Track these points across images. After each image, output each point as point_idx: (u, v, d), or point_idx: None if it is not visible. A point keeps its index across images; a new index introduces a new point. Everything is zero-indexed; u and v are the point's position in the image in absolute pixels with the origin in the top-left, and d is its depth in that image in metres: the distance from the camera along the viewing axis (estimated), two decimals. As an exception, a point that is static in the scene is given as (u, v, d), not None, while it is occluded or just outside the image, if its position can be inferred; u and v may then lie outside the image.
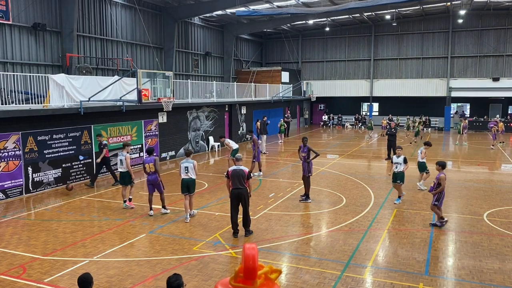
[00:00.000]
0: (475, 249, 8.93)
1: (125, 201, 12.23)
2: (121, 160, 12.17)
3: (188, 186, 10.84)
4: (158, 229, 10.35)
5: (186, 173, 10.81)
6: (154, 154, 12.18)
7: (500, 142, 27.02)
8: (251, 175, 9.86)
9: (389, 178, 15.27)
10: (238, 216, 9.75)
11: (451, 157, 22.49)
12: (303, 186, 13.12)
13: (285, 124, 30.31)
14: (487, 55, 35.03)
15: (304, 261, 8.38)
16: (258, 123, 27.18)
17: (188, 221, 10.83)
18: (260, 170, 17.12)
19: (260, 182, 15.68)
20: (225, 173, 9.89)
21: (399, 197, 12.62)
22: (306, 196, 12.94)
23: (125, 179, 12.22)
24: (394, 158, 12.42)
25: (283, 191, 14.16)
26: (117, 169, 14.97)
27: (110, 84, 16.58)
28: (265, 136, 23.94)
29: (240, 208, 9.71)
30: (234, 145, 17.53)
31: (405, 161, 12.23)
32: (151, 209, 11.50)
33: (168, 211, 11.55)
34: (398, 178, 12.36)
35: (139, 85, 14.96)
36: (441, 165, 10.57)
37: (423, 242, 9.38)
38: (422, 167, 14.45)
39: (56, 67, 19.64)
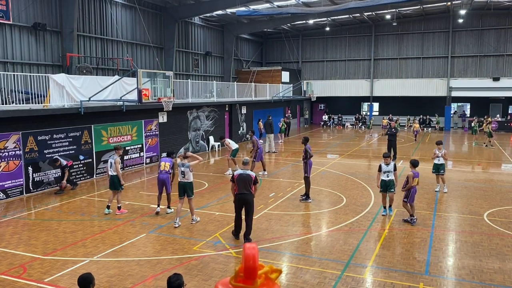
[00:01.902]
0: (475, 249, 8.93)
1: (108, 206, 11.69)
2: (111, 163, 11.61)
3: (185, 189, 10.50)
4: (158, 229, 10.35)
5: (183, 177, 10.53)
6: (173, 156, 12.16)
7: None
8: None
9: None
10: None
11: (452, 157, 22.48)
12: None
13: (285, 124, 30.33)
14: (487, 55, 35.03)
15: (304, 260, 8.38)
16: (261, 123, 27.14)
17: (176, 226, 10.38)
18: (264, 170, 17.12)
19: (260, 182, 15.68)
20: (231, 177, 9.46)
21: (390, 206, 11.53)
22: (306, 196, 12.94)
23: (114, 183, 11.59)
24: (384, 166, 11.20)
25: (283, 191, 14.16)
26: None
27: (110, 84, 16.58)
28: (272, 135, 23.89)
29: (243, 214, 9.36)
30: (234, 145, 17.57)
31: (394, 168, 11.27)
32: (158, 205, 11.43)
33: (172, 210, 11.48)
34: (392, 187, 11.23)
35: (139, 85, 14.95)
36: (412, 164, 10.97)
37: (423, 242, 9.38)
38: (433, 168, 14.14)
39: (56, 67, 19.64)
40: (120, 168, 16.86)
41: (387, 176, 11.22)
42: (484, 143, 26.08)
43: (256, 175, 16.43)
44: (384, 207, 11.55)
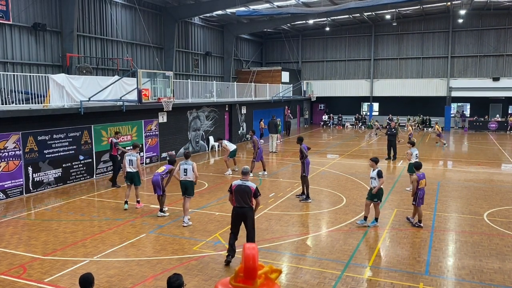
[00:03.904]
0: (475, 249, 8.93)
1: (126, 202, 12.06)
2: (131, 160, 11.98)
3: (186, 188, 10.61)
4: (158, 229, 10.35)
5: (185, 175, 10.62)
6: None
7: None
8: (250, 175, 9.29)
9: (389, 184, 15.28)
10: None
11: (451, 157, 22.50)
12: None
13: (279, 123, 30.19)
14: (487, 55, 35.02)
15: (304, 261, 8.39)
16: (262, 123, 27.10)
17: (185, 225, 10.49)
18: (264, 170, 17.11)
19: (260, 182, 15.68)
20: (229, 187, 8.39)
21: (376, 219, 10.52)
22: (306, 196, 12.94)
23: (134, 179, 12.01)
24: (371, 171, 10.65)
25: (283, 191, 14.16)
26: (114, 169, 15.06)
27: (110, 84, 16.58)
28: (276, 135, 23.82)
29: (242, 231, 8.30)
30: (232, 147, 17.58)
31: (379, 174, 10.34)
32: (161, 209, 11.48)
33: (166, 214, 11.40)
34: (375, 195, 10.38)
35: (139, 85, 14.96)
36: (415, 167, 10.81)
37: (423, 242, 9.38)
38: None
39: (56, 67, 19.63)
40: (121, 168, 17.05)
41: (371, 183, 10.51)
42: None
43: (256, 175, 16.66)
44: (365, 218, 10.55)
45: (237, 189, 8.10)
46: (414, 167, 10.87)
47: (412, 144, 14.59)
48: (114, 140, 15.08)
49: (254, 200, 8.17)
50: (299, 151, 13.16)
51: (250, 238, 8.15)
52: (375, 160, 10.68)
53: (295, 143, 27.31)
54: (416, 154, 14.05)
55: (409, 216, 10.83)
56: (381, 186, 10.39)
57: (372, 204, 10.48)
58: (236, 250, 8.28)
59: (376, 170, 10.44)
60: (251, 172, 16.56)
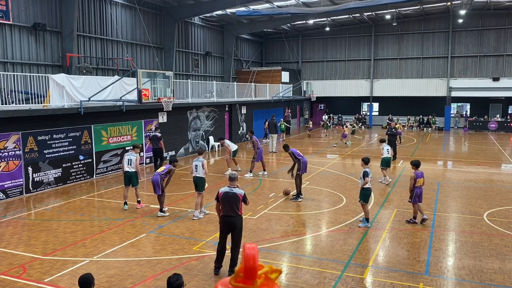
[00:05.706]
0: (475, 249, 8.93)
1: (125, 203, 12.03)
2: (130, 159, 11.92)
3: (196, 185, 11.18)
4: (158, 229, 10.35)
5: (196, 171, 11.17)
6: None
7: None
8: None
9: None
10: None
11: (451, 156, 22.50)
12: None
13: (285, 123, 30.35)
14: (487, 55, 35.03)
15: (304, 261, 8.39)
16: (267, 124, 27.15)
17: (202, 217, 11.11)
18: (264, 170, 17.10)
19: (260, 182, 15.68)
20: (216, 196, 7.86)
21: (366, 219, 10.48)
22: (297, 194, 13.06)
23: (132, 179, 11.96)
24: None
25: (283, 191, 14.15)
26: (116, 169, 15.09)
27: (110, 84, 16.58)
28: (275, 135, 23.85)
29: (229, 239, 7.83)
30: (234, 146, 17.61)
31: (363, 175, 10.31)
32: (161, 209, 11.48)
33: (166, 214, 11.44)
34: (359, 195, 10.51)
35: (139, 85, 14.96)
36: (414, 165, 10.73)
37: (423, 242, 9.38)
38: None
39: (56, 67, 19.63)
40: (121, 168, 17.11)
41: (360, 183, 10.54)
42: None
43: (256, 175, 16.66)
44: (366, 219, 10.51)
45: (224, 196, 7.62)
46: (414, 165, 10.73)
47: (383, 141, 16.40)
48: (159, 134, 16.93)
49: (243, 206, 7.81)
50: (289, 156, 13.33)
51: (235, 251, 7.70)
52: (364, 160, 10.81)
53: (295, 142, 27.45)
54: (387, 150, 15.57)
55: (409, 219, 10.77)
56: (369, 186, 10.45)
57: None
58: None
59: (363, 170, 10.52)
60: (251, 172, 16.68)
